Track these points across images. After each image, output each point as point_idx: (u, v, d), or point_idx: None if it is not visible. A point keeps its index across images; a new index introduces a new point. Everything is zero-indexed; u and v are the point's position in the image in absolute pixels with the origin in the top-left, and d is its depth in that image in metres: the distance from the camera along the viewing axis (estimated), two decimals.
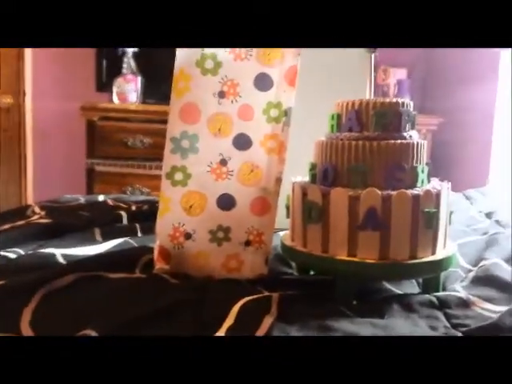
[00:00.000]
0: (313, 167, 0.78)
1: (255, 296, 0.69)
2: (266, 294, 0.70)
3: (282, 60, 0.78)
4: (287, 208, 0.82)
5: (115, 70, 2.30)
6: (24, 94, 2.48)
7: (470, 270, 0.82)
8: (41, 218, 1.13)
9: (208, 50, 0.77)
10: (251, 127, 0.79)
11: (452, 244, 0.78)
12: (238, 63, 0.78)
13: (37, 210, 1.20)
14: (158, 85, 2.21)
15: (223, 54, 0.77)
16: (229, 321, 0.62)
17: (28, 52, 2.49)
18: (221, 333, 0.60)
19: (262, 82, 0.78)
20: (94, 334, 0.61)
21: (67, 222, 1.09)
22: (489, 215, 1.18)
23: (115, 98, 2.28)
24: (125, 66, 2.27)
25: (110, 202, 1.32)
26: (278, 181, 0.80)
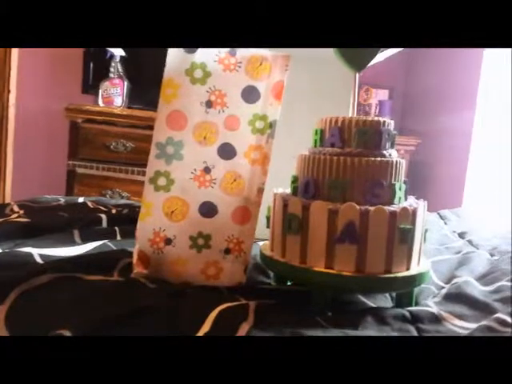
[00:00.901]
0: (295, 180, 0.80)
1: (233, 303, 0.69)
2: (244, 301, 0.71)
3: (270, 74, 0.80)
4: (268, 218, 0.83)
5: (102, 73, 2.30)
6: (8, 91, 2.46)
7: (443, 287, 0.84)
8: (19, 216, 1.12)
9: (198, 60, 0.78)
10: (236, 137, 0.81)
11: (426, 261, 0.80)
12: (226, 74, 0.79)
13: (16, 208, 1.19)
14: (144, 90, 2.22)
15: (213, 64, 0.79)
16: (205, 327, 0.63)
17: (15, 50, 2.47)
18: None
19: (250, 95, 0.80)
20: (68, 334, 0.61)
21: (46, 221, 1.08)
22: (462, 235, 1.21)
23: (100, 101, 2.28)
24: (112, 69, 2.28)
25: (90, 205, 1.31)
26: (260, 191, 0.82)
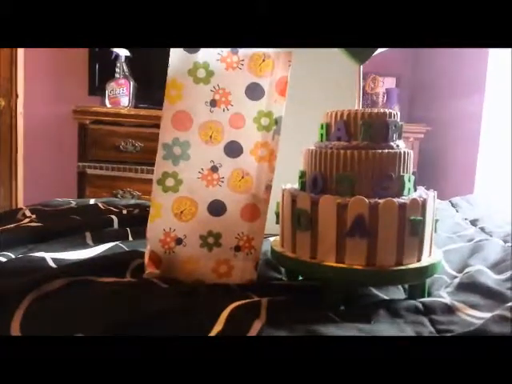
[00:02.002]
0: (302, 175, 0.80)
1: (245, 301, 0.69)
2: (256, 299, 0.71)
3: (273, 71, 0.80)
4: (277, 215, 0.83)
5: (108, 74, 2.31)
6: (16, 96, 2.48)
7: (455, 277, 0.84)
8: (31, 221, 1.13)
9: (200, 60, 0.78)
10: (242, 135, 0.80)
11: (437, 251, 0.80)
12: (229, 73, 0.79)
13: (27, 213, 1.21)
14: (151, 89, 2.23)
15: (215, 63, 0.79)
16: (218, 326, 0.63)
17: (21, 55, 2.49)
18: None
19: (254, 92, 0.80)
20: None
21: (58, 225, 1.09)
22: (474, 222, 1.20)
23: (107, 102, 2.29)
24: (117, 70, 2.28)
25: (101, 206, 1.32)
26: (268, 188, 0.81)
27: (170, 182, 0.80)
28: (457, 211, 1.35)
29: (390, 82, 2.31)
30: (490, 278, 0.79)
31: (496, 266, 0.86)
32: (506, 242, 1.02)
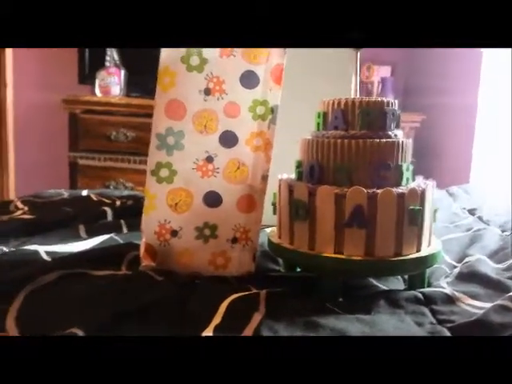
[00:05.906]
0: (299, 165, 0.79)
1: (243, 293, 0.68)
2: (254, 291, 0.70)
3: (268, 58, 0.78)
4: (274, 205, 0.82)
5: (98, 63, 2.27)
6: (5, 85, 2.43)
7: (455, 266, 0.83)
8: (24, 213, 1.11)
9: None
10: (237, 124, 0.79)
11: (437, 241, 0.79)
12: (223, 60, 0.77)
13: (19, 205, 1.19)
14: (142, 78, 2.19)
15: (209, 50, 0.77)
16: (216, 319, 0.62)
17: None
18: (208, 331, 0.60)
19: (248, 80, 0.78)
20: (80, 333, 0.61)
21: (51, 217, 1.07)
22: (471, 212, 1.20)
23: (98, 91, 2.26)
24: (108, 58, 2.24)
25: (94, 197, 1.30)
26: (265, 178, 0.80)
27: (164, 172, 0.78)
28: (454, 200, 1.35)
29: (385, 71, 2.29)
30: (490, 267, 0.78)
31: (495, 255, 0.85)
32: (503, 230, 1.02)
